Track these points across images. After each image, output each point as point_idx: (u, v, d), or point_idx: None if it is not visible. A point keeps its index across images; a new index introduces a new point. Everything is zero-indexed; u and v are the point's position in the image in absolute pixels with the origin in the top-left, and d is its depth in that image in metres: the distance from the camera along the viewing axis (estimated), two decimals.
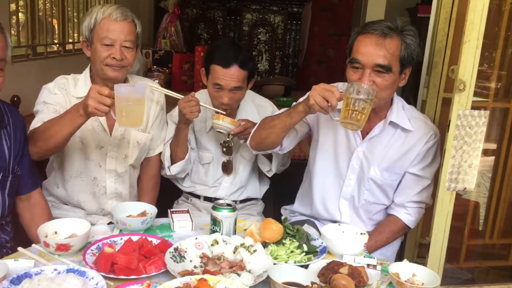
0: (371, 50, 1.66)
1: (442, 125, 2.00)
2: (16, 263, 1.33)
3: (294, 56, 5.36)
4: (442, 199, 1.63)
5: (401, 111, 1.83)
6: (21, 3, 3.17)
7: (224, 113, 2.02)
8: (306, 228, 1.68)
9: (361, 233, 1.62)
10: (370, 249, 1.82)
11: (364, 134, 1.86)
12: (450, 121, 1.56)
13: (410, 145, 1.82)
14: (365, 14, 4.87)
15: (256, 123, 1.96)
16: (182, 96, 2.00)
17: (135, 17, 1.95)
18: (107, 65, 1.88)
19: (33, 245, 1.47)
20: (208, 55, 2.12)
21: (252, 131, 1.95)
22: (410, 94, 2.94)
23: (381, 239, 1.88)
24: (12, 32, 3.09)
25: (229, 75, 2.01)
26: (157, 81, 3.87)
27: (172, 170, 2.13)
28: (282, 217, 1.76)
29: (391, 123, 1.81)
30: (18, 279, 1.22)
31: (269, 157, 2.18)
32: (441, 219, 1.65)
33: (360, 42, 1.69)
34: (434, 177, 1.87)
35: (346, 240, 1.61)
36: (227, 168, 2.19)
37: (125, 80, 2.00)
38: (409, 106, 1.88)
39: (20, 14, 3.21)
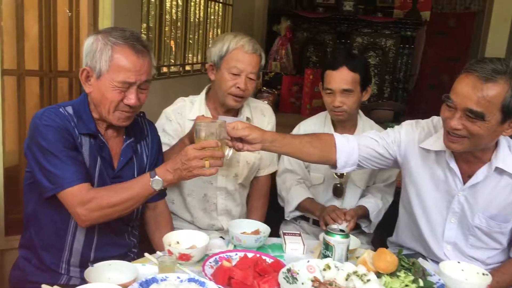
0: (466, 92, 1.50)
1: None
2: (144, 268, 1.45)
3: (405, 80, 5.20)
4: None
5: (508, 154, 1.66)
6: (150, 25, 3.47)
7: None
8: (421, 262, 1.61)
9: (483, 274, 1.52)
10: None
11: (465, 177, 1.71)
12: None
13: None
14: (486, 38, 4.60)
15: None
16: None
17: (262, 51, 2.04)
18: (230, 94, 1.97)
19: (158, 252, 1.59)
20: (323, 66, 2.21)
21: None
22: None
23: (504, 280, 1.73)
24: None
25: (338, 77, 2.05)
26: (267, 102, 3.99)
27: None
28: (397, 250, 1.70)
29: (497, 169, 1.66)
30: (146, 283, 1.32)
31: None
32: None
33: (460, 80, 1.55)
34: None
35: (468, 279, 1.51)
36: (338, 191, 2.17)
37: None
38: None
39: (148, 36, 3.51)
